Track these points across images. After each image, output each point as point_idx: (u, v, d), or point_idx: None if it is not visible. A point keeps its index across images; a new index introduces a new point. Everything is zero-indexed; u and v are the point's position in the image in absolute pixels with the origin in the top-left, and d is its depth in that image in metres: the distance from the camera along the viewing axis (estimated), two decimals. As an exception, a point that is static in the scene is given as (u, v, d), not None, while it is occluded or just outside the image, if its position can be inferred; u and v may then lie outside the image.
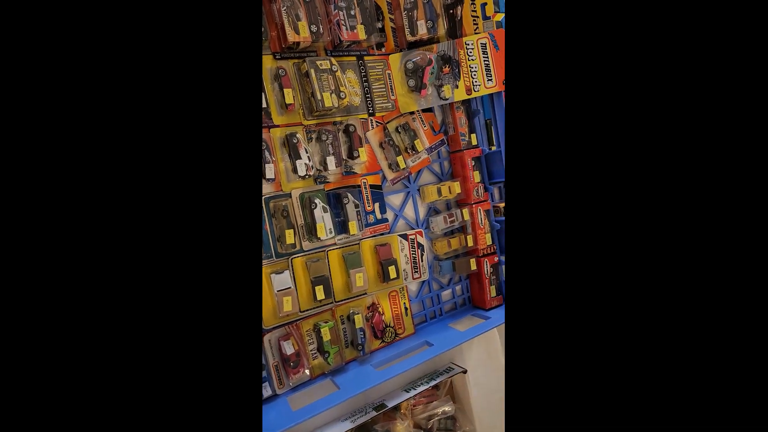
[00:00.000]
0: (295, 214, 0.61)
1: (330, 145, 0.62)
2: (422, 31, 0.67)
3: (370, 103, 0.66)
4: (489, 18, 0.69)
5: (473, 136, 0.74)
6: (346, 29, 0.62)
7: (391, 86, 0.68)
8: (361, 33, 0.63)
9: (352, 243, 0.65)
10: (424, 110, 0.72)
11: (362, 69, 0.66)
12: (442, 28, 0.69)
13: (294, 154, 0.59)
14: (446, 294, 0.76)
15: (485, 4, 0.68)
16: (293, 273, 0.60)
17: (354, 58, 0.65)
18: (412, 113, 0.71)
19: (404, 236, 0.70)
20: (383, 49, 0.68)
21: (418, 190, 0.73)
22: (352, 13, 0.62)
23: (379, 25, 0.67)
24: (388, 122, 0.69)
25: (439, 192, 0.72)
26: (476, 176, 0.73)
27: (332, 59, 0.61)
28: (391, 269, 0.66)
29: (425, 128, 0.73)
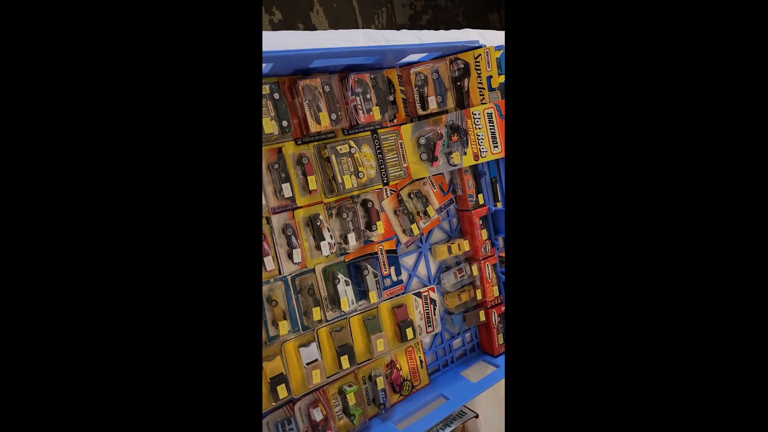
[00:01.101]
0: (319, 288, 0.65)
1: (350, 222, 0.66)
2: (432, 105, 0.70)
3: (384, 174, 0.70)
4: (495, 89, 0.73)
5: (480, 196, 0.78)
6: (363, 112, 0.65)
7: (403, 155, 0.72)
8: (376, 114, 0.66)
9: (371, 308, 0.70)
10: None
11: (376, 142, 0.69)
12: (451, 101, 0.72)
13: (318, 236, 0.63)
14: (457, 342, 0.82)
15: (490, 76, 0.72)
16: (319, 344, 0.65)
17: (368, 133, 0.69)
18: (422, 178, 0.74)
19: (418, 294, 0.75)
20: (395, 120, 0.72)
21: (430, 249, 0.77)
22: (368, 96, 0.65)
23: (391, 98, 0.71)
24: (401, 189, 0.73)
25: (450, 250, 0.77)
26: (484, 234, 0.78)
27: (351, 142, 0.65)
28: (408, 331, 0.71)
29: (435, 190, 0.77)
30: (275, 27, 1.29)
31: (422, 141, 0.70)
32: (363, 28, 1.44)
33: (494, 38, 0.90)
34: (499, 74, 0.75)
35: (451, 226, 0.80)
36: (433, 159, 0.71)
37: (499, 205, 0.80)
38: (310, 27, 1.34)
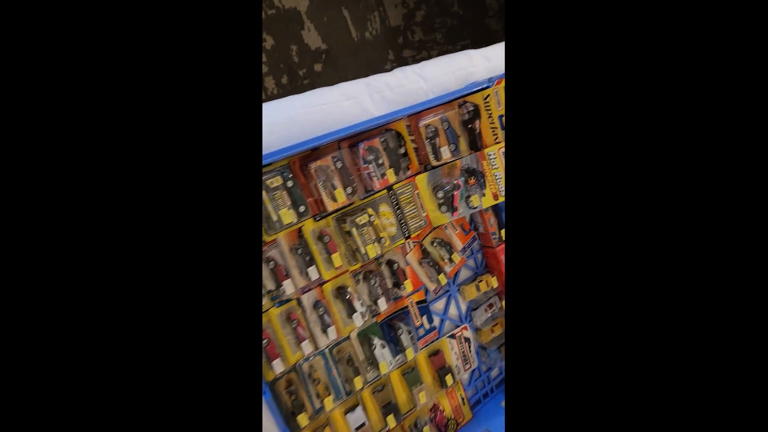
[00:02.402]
0: (356, 353, 0.66)
1: (378, 287, 0.66)
2: (446, 155, 0.69)
3: (405, 228, 0.70)
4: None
5: (502, 231, 0.77)
6: (377, 178, 0.64)
7: (421, 205, 0.71)
8: (391, 177, 0.65)
9: (409, 361, 0.71)
10: (453, 215, 0.75)
11: (393, 199, 0.68)
12: (464, 145, 0.70)
13: (349, 308, 0.64)
14: (495, 371, 0.83)
15: (502, 115, 0.69)
16: (364, 406, 0.67)
17: (385, 192, 0.68)
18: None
19: (452, 336, 0.76)
20: (409, 172, 0.70)
21: (459, 290, 0.77)
22: (380, 162, 0.64)
23: (402, 150, 0.69)
24: (423, 238, 0.73)
25: (478, 288, 0.77)
26: (510, 268, 0.78)
27: (369, 210, 0.64)
28: (448, 378, 0.73)
29: (457, 231, 0.76)
30: (267, 53, 1.26)
31: (440, 195, 0.69)
32: (356, 37, 1.39)
33: (496, 55, 0.86)
34: None
35: (476, 262, 0.80)
36: (453, 210, 0.70)
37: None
38: (303, 47, 1.30)
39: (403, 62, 1.46)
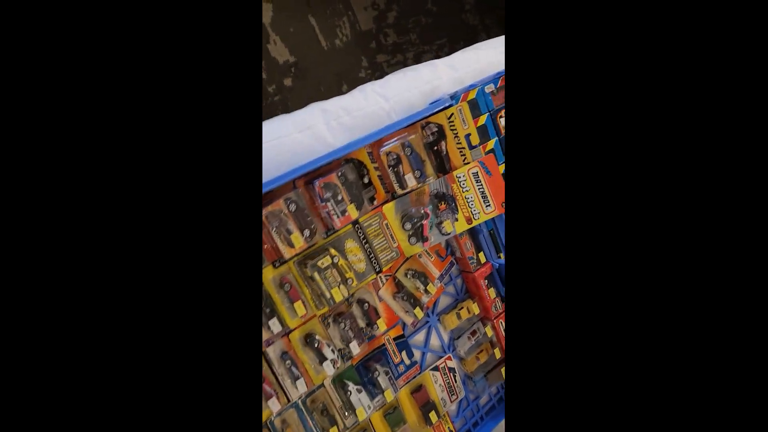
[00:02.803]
0: (332, 400, 0.63)
1: (349, 330, 0.62)
2: (411, 183, 0.64)
3: (375, 262, 0.65)
4: (476, 146, 0.66)
5: (480, 254, 0.73)
6: (338, 216, 0.60)
7: (391, 235, 0.67)
8: (353, 212, 0.61)
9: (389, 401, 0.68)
10: (427, 241, 0.71)
11: (360, 233, 0.64)
12: (430, 169, 0.66)
13: (319, 356, 0.60)
14: (483, 399, 0.80)
15: (469, 134, 0.65)
16: (344, 455, 0.63)
17: (350, 227, 0.64)
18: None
19: (435, 368, 0.72)
20: (375, 202, 0.66)
21: (439, 319, 0.73)
22: (340, 198, 0.59)
23: (366, 179, 0.65)
24: (396, 270, 0.69)
25: (459, 316, 0.73)
26: (491, 293, 0.74)
27: (332, 250, 0.60)
28: (432, 414, 0.69)
29: (432, 259, 0.72)
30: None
31: (408, 226, 0.65)
32: (326, 46, 1.34)
33: (463, 64, 0.81)
34: (478, 115, 0.68)
35: (456, 288, 0.76)
36: (424, 240, 0.65)
37: (502, 257, 0.75)
38: (271, 62, 1.25)
39: (377, 68, 1.41)
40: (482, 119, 0.73)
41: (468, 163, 0.66)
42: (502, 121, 0.75)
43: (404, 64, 1.45)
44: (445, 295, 0.75)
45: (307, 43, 1.30)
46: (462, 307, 0.73)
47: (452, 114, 0.64)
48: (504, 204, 0.68)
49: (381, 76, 1.50)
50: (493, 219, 0.73)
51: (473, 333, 0.75)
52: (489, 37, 1.76)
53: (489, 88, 0.73)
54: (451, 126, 0.64)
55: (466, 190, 0.67)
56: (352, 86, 1.46)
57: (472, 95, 0.71)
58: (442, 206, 0.67)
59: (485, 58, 0.83)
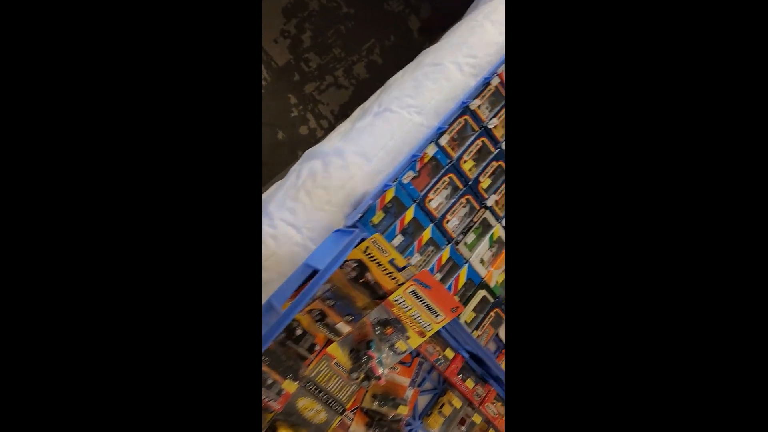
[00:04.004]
0: None
1: (327, 488, 0.60)
2: (346, 329, 0.59)
3: (336, 404, 0.62)
4: (404, 267, 0.59)
5: (447, 351, 0.68)
6: (274, 400, 0.55)
7: (345, 371, 0.63)
8: (290, 387, 0.56)
9: None
10: (387, 356, 0.66)
11: (310, 386, 0.60)
12: (363, 301, 0.60)
13: None
14: (492, 467, 0.78)
15: (392, 259, 0.58)
16: None
17: (296, 385, 0.60)
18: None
19: (432, 467, 0.71)
20: (317, 348, 0.61)
21: (422, 423, 0.71)
22: (270, 381, 0.55)
23: (300, 331, 0.60)
24: (362, 401, 0.65)
25: (442, 414, 0.70)
26: (469, 383, 0.70)
27: (281, 429, 0.56)
28: None
29: (397, 370, 0.68)
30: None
31: (354, 376, 0.60)
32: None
33: (372, 148, 0.71)
34: (403, 212, 0.60)
35: (433, 381, 0.72)
36: (377, 378, 0.61)
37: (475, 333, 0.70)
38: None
39: (309, 100, 1.29)
40: (409, 214, 0.65)
41: (402, 284, 0.60)
42: (431, 204, 0.67)
43: (336, 85, 1.33)
44: (424, 395, 0.72)
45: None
46: (443, 404, 0.70)
47: (367, 247, 0.56)
48: (454, 309, 0.62)
49: (315, 108, 1.39)
50: (450, 311, 0.68)
51: (462, 422, 0.72)
52: (420, 20, 1.57)
53: (408, 177, 0.65)
54: (370, 257, 0.57)
55: (409, 309, 0.61)
56: (289, 131, 1.35)
57: (390, 195, 0.63)
58: (389, 330, 0.62)
59: (437, 94, 0.74)
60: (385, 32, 1.39)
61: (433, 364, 0.68)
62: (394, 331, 0.62)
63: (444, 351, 0.68)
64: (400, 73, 0.87)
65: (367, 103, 0.83)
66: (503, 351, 0.78)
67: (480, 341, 0.72)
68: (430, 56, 0.86)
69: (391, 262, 0.58)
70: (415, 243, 0.66)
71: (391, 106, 0.75)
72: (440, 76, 0.77)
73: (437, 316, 0.62)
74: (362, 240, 0.56)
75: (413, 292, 0.60)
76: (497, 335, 0.77)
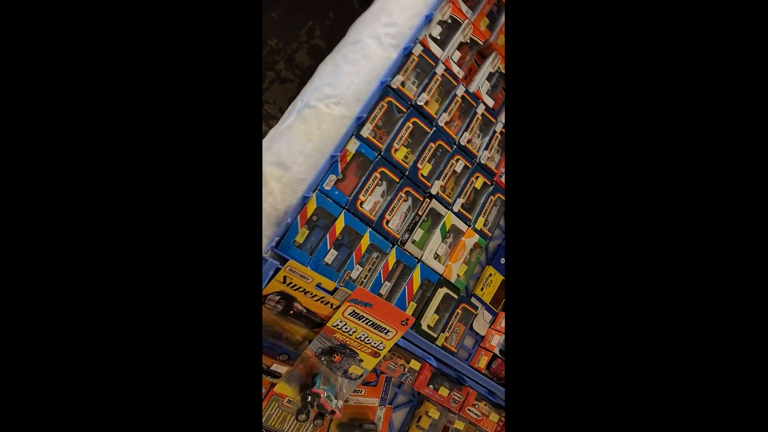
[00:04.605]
0: None
1: None
2: (282, 369, 0.52)
3: (297, 444, 0.57)
4: (333, 291, 0.52)
5: (412, 362, 0.62)
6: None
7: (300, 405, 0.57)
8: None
9: None
10: (347, 379, 0.60)
11: (262, 432, 0.55)
12: (301, 331, 0.53)
13: None
14: (490, 467, 0.73)
15: (319, 283, 0.51)
16: None
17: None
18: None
19: (421, 482, 0.66)
20: (263, 391, 0.55)
21: (402, 440, 0.65)
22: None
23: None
24: (328, 430, 0.60)
25: (420, 428, 0.64)
26: (443, 390, 0.63)
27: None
28: None
29: (362, 393, 0.62)
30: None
31: (302, 417, 0.54)
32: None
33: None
34: (332, 223, 0.53)
35: (406, 394, 0.66)
36: (331, 413, 0.55)
37: (440, 343, 0.63)
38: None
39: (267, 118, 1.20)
40: (340, 223, 0.57)
41: (338, 308, 0.53)
42: (365, 206, 0.59)
43: (279, 79, 1.23)
44: (399, 410, 0.66)
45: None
46: (419, 416, 0.64)
47: (285, 276, 0.49)
48: (404, 322, 0.55)
49: (262, 110, 1.29)
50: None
51: (445, 430, 0.66)
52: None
53: (330, 182, 0.57)
54: (292, 287, 0.50)
55: (353, 332, 0.55)
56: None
57: (311, 207, 0.55)
58: (337, 357, 0.56)
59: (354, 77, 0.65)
60: (322, 11, 1.27)
61: (398, 380, 0.62)
62: (342, 358, 0.56)
63: (408, 363, 0.62)
64: (326, 59, 0.78)
65: (296, 100, 0.74)
66: (481, 344, 0.71)
67: (450, 342, 0.66)
68: (351, 33, 0.76)
69: (318, 286, 0.51)
70: (353, 254, 0.58)
71: (309, 100, 0.66)
72: (359, 55, 0.67)
73: (387, 332, 0.56)
74: (277, 270, 0.49)
75: (353, 314, 0.53)
76: (471, 328, 0.70)
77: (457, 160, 0.66)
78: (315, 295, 0.52)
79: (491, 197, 0.69)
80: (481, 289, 0.72)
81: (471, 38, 0.68)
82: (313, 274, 0.50)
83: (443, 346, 0.65)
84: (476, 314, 0.69)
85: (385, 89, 0.61)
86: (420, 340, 0.61)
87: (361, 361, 0.57)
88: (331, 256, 0.57)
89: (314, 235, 0.57)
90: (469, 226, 0.67)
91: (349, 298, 0.52)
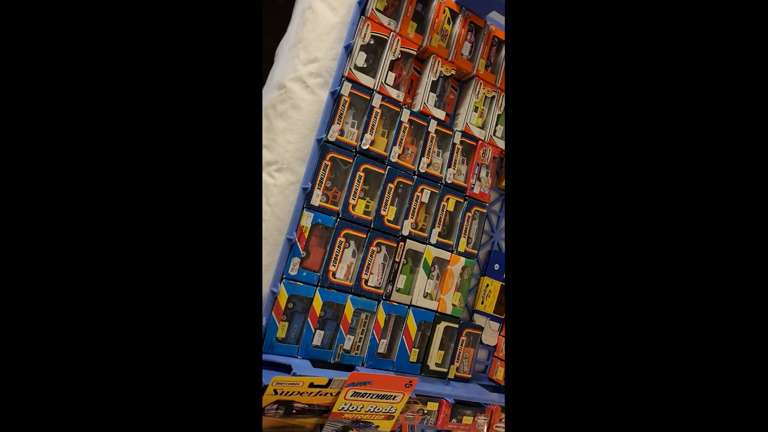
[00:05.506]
0: None
1: None
2: (303, 465, 0.52)
3: None
4: (329, 383, 0.50)
5: (429, 403, 0.62)
6: None
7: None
8: None
9: None
10: None
11: None
12: (310, 421, 0.53)
13: None
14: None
15: (312, 382, 0.49)
16: None
17: None
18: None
19: (469, 498, 0.68)
20: (292, 477, 0.56)
21: (440, 468, 0.67)
22: None
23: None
24: (366, 490, 0.61)
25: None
26: (467, 419, 0.64)
27: None
28: None
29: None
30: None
31: None
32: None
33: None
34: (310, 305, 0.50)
35: (433, 427, 0.67)
36: (361, 486, 0.56)
37: (451, 375, 0.63)
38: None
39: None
40: (317, 303, 0.55)
41: (337, 394, 0.52)
42: (338, 275, 0.56)
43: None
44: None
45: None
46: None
47: (274, 390, 0.48)
48: (408, 384, 0.54)
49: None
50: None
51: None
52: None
53: (294, 266, 0.54)
54: (285, 394, 0.49)
55: (361, 408, 0.54)
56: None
57: (283, 299, 0.53)
58: (355, 431, 0.56)
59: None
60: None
61: (420, 426, 0.62)
62: (359, 430, 0.56)
63: (426, 405, 0.62)
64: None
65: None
66: (495, 353, 0.71)
67: (461, 370, 0.65)
68: (275, 76, 0.69)
69: (312, 385, 0.50)
70: (341, 326, 0.56)
71: (252, 168, 0.62)
72: (287, 106, 0.61)
73: (394, 398, 0.55)
74: (265, 387, 0.48)
75: (355, 394, 0.53)
76: (481, 342, 0.69)
77: (422, 190, 0.62)
78: (311, 392, 0.50)
79: (467, 213, 0.65)
80: (482, 303, 0.70)
81: (402, 51, 0.61)
82: (302, 378, 0.48)
83: (456, 377, 0.64)
84: (481, 332, 0.67)
85: (324, 146, 0.56)
86: (431, 382, 0.61)
87: (377, 427, 0.57)
88: (318, 337, 0.56)
89: (295, 322, 0.55)
90: (452, 252, 0.64)
91: (345, 385, 0.51)
